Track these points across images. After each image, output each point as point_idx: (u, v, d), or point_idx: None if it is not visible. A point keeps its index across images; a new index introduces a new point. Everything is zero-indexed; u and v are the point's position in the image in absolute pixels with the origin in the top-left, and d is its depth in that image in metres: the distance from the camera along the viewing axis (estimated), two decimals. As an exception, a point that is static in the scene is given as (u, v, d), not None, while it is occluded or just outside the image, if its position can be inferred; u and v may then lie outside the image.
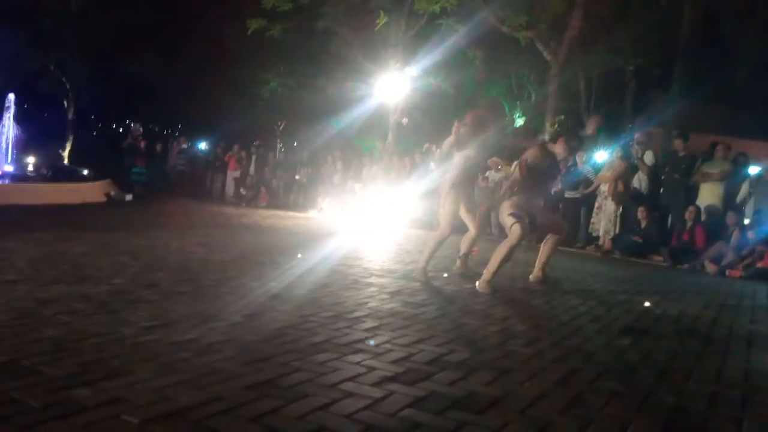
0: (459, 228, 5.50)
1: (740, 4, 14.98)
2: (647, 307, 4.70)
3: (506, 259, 4.95)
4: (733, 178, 8.57)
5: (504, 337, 3.43)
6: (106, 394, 2.09)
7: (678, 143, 9.33)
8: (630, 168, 9.42)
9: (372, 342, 3.09)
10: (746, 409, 2.62)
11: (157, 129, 19.67)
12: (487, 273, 4.90)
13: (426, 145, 11.50)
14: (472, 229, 5.53)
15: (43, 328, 2.80)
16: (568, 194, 10.03)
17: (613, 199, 9.23)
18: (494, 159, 11.69)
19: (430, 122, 16.30)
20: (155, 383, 2.23)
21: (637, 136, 10.10)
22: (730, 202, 8.50)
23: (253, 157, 16.11)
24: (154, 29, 19.42)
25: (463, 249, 5.61)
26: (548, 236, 5.57)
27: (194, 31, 19.00)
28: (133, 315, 3.17)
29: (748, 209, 8.34)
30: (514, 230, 4.90)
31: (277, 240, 7.75)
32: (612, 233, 9.21)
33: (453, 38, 13.08)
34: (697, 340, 3.83)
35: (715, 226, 8.28)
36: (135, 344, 2.68)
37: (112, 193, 10.43)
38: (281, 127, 21.34)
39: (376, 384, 2.46)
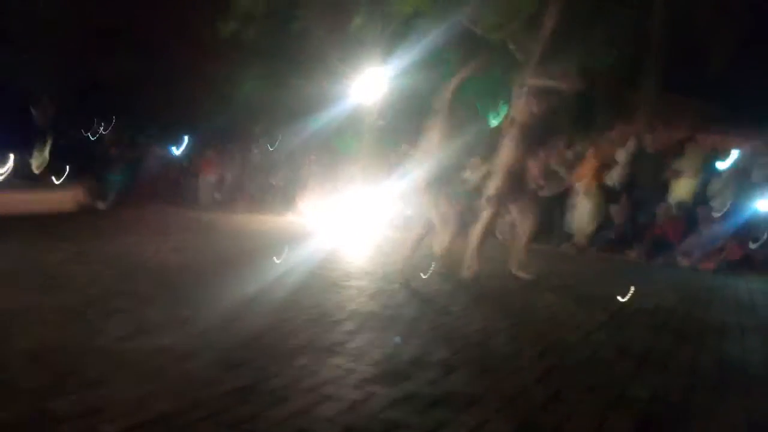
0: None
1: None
2: (623, 302, 4.77)
3: (482, 242, 5.02)
4: (704, 174, 8.72)
5: (483, 336, 3.46)
6: (83, 405, 2.07)
7: (649, 140, 9.45)
8: (603, 165, 9.53)
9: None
10: (719, 399, 2.67)
11: (131, 133, 19.38)
12: (471, 261, 4.94)
13: (404, 147, 11.52)
14: (474, 229, 5.57)
15: (16, 340, 2.76)
16: (542, 192, 10.11)
17: (587, 197, 9.34)
18: (472, 161, 11.78)
19: (407, 123, 16.33)
20: (133, 392, 2.22)
21: (609, 133, 10.22)
22: (701, 196, 8.64)
23: (229, 161, 15.99)
24: (126, 32, 19.15)
25: (436, 249, 5.62)
26: (517, 229, 5.63)
27: (168, 32, 18.79)
28: (108, 324, 3.13)
29: (720, 203, 8.48)
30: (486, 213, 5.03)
31: (254, 244, 7.70)
32: (588, 230, 9.30)
33: (429, 38, 13.12)
34: (672, 333, 3.90)
35: (688, 220, 8.41)
36: (111, 353, 2.65)
37: (88, 199, 10.28)
38: (258, 130, 21.22)
39: (357, 386, 2.47)
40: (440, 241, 5.61)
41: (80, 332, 2.96)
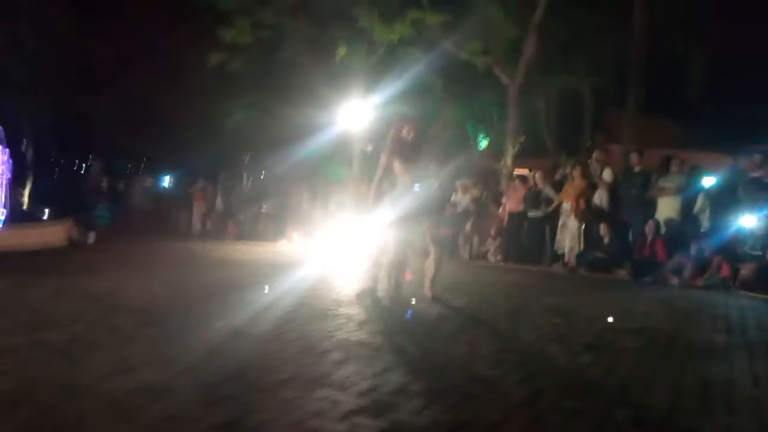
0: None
1: (688, 22, 15.54)
2: (610, 323, 4.78)
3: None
4: (688, 191, 8.81)
5: (469, 361, 3.45)
6: (62, 447, 2.05)
7: (634, 159, 9.57)
8: (589, 185, 9.62)
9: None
10: (704, 419, 2.68)
11: (119, 166, 19.39)
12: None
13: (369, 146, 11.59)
14: (434, 254, 5.58)
15: (-4, 380, 2.73)
16: (531, 213, 10.19)
17: (576, 217, 9.41)
18: (462, 182, 11.84)
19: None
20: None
21: (595, 153, 10.34)
22: (687, 214, 8.73)
23: (219, 190, 15.99)
24: (112, 65, 19.24)
25: (427, 274, 5.64)
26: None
27: (154, 66, 18.90)
28: (92, 362, 3.11)
29: (706, 220, 8.56)
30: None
31: (244, 274, 7.68)
32: (576, 250, 9.36)
33: (414, 66, 13.30)
34: (657, 353, 3.91)
35: (675, 238, 8.48)
36: (92, 393, 2.63)
37: (74, 234, 10.22)
38: (246, 159, 21.27)
39: (341, 419, 2.45)
40: (428, 267, 5.63)
41: (61, 370, 2.93)
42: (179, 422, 2.31)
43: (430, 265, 5.62)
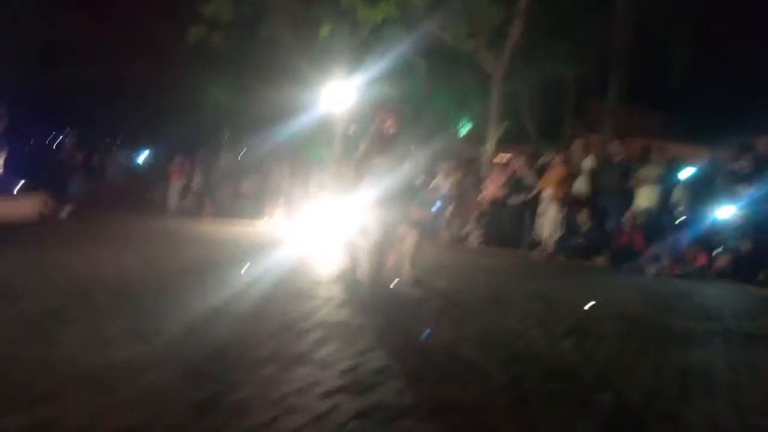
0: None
1: (671, 13, 15.62)
2: (589, 309, 4.81)
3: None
4: (667, 182, 8.89)
5: (451, 343, 3.44)
6: (35, 420, 1.98)
7: (615, 148, 9.62)
8: (571, 173, 9.66)
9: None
10: (682, 405, 2.70)
11: (94, 140, 19.02)
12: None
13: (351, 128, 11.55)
14: (411, 236, 5.56)
15: (-34, 354, 2.65)
16: (512, 199, 10.21)
17: (556, 204, 9.44)
18: (444, 164, 11.82)
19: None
20: (91, 406, 2.14)
21: (577, 141, 10.37)
22: (665, 204, 8.81)
23: (197, 167, 15.76)
24: (89, 37, 18.80)
25: (407, 257, 5.62)
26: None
27: (133, 38, 18.50)
28: (66, 335, 3.03)
29: (683, 211, 8.65)
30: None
31: (221, 252, 7.60)
32: (555, 236, 9.41)
33: (397, 48, 13.17)
34: (637, 339, 3.95)
35: (653, 228, 8.56)
36: (69, 366, 2.56)
37: (47, 208, 10.00)
38: (226, 137, 21.01)
39: (322, 397, 2.42)
40: (407, 250, 5.60)
41: (35, 344, 2.85)
42: (159, 398, 2.26)
43: (408, 247, 5.60)
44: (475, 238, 10.53)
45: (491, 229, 10.43)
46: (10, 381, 2.33)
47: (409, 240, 5.59)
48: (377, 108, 5.94)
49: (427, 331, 2.99)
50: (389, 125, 5.36)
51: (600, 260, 8.72)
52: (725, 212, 8.08)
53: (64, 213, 10.36)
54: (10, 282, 4.40)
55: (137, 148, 19.53)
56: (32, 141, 18.06)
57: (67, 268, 5.28)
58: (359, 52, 14.26)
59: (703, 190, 8.48)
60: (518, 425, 2.29)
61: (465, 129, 20.44)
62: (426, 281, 5.51)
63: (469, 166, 12.63)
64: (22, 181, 11.93)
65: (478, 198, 10.93)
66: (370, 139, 5.45)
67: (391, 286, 5.21)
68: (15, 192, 11.39)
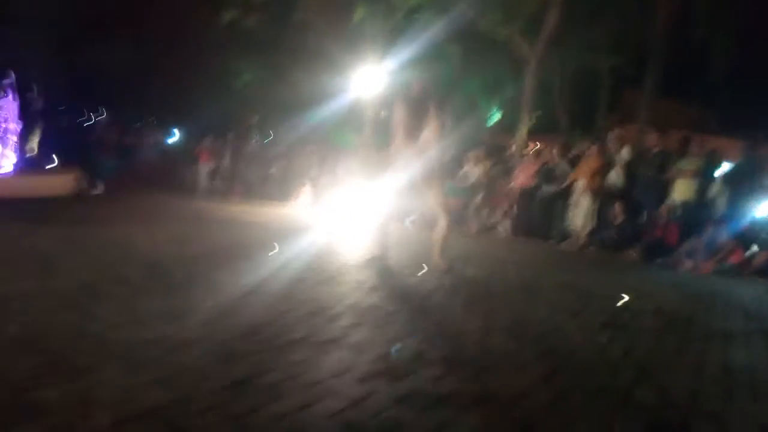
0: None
1: (713, 6, 15.20)
2: (624, 303, 4.70)
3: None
4: (705, 175, 8.65)
5: (485, 333, 3.38)
6: (74, 394, 1.98)
7: (652, 139, 9.38)
8: (605, 163, 9.47)
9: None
10: (726, 404, 2.61)
11: (127, 120, 19.22)
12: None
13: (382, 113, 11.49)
14: (443, 223, 5.49)
15: (5, 326, 2.67)
16: (544, 189, 10.06)
17: (589, 194, 9.27)
18: (473, 153, 11.70)
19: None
20: (126, 382, 2.13)
21: (614, 132, 10.15)
22: (703, 198, 8.58)
23: (227, 149, 15.84)
24: (123, 17, 18.96)
25: (436, 245, 5.55)
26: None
27: (166, 22, 18.62)
28: (100, 311, 3.04)
29: (722, 205, 8.42)
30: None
31: (251, 234, 7.62)
32: (588, 228, 9.24)
33: (430, 33, 13.02)
34: (675, 335, 3.84)
35: (689, 222, 8.34)
36: (103, 341, 2.56)
37: (81, 185, 10.15)
38: (256, 120, 21.09)
39: (357, 382, 2.39)
40: (437, 236, 5.53)
41: (72, 318, 2.87)
42: (194, 376, 2.24)
43: (438, 234, 5.53)
44: (503, 228, 10.41)
45: (520, 220, 10.29)
46: (48, 353, 2.34)
47: (440, 227, 5.51)
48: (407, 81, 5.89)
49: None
50: (415, 89, 5.32)
51: (632, 254, 8.55)
52: (764, 209, 7.85)
53: (96, 191, 10.49)
54: (46, 257, 4.46)
55: (169, 129, 19.68)
56: (67, 120, 18.33)
57: (100, 245, 5.33)
58: (392, 37, 14.14)
59: (743, 185, 8.24)
60: (557, 421, 2.23)
61: (495, 117, 20.20)
62: (455, 270, 5.44)
63: (498, 154, 12.48)
64: (57, 160, 12.14)
65: (508, 187, 10.79)
66: (398, 105, 5.40)
67: (420, 274, 5.16)
68: (49, 170, 11.59)
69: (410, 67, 13.32)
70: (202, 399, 2.06)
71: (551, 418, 2.25)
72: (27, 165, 10.98)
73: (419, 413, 2.12)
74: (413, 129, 5.31)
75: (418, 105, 5.32)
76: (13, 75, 10.20)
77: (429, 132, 5.29)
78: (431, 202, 5.56)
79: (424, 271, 5.23)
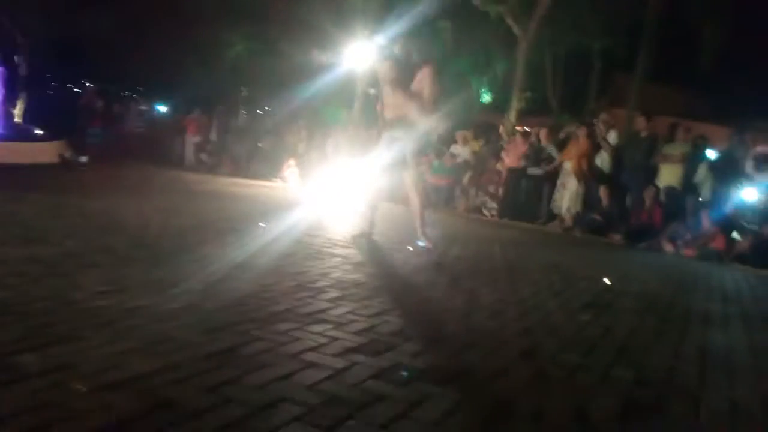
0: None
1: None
2: (607, 284, 4.76)
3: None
4: (692, 160, 8.73)
5: (468, 310, 3.41)
6: (54, 360, 1.98)
7: (641, 123, 9.43)
8: (593, 146, 9.51)
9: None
10: (702, 384, 2.66)
11: (114, 89, 18.97)
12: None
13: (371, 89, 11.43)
14: (415, 201, 5.48)
15: (-14, 291, 2.65)
16: (531, 171, 10.10)
17: (576, 177, 9.32)
18: (461, 132, 11.68)
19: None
20: (106, 350, 2.13)
21: (601, 115, 10.18)
22: (688, 183, 8.67)
23: (215, 123, 15.69)
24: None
25: (416, 220, 5.54)
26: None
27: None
28: (84, 279, 3.03)
29: (706, 191, 8.51)
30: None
31: (238, 208, 7.59)
32: (573, 210, 9.31)
33: (422, 7, 12.88)
34: (655, 317, 3.90)
35: (674, 206, 8.44)
36: (86, 309, 2.55)
37: (66, 154, 10.03)
38: (244, 93, 20.87)
39: (339, 354, 2.40)
40: (414, 214, 5.52)
41: (55, 286, 2.85)
42: (177, 345, 2.25)
43: (414, 212, 5.51)
44: (490, 207, 10.45)
45: (507, 200, 10.34)
46: (29, 320, 2.33)
47: (413, 205, 5.49)
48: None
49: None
50: (399, 49, 5.29)
51: (617, 237, 8.64)
52: (749, 195, 7.95)
53: (82, 159, 10.39)
54: (29, 225, 4.42)
55: (156, 100, 19.45)
56: (53, 87, 18.06)
57: (86, 214, 5.29)
58: (383, 11, 13.98)
59: (728, 172, 8.33)
60: (536, 396, 2.26)
61: (484, 97, 20.15)
62: (441, 249, 5.47)
63: (487, 134, 12.48)
64: (42, 127, 11.96)
65: (496, 168, 10.81)
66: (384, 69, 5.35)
67: (407, 249, 5.18)
68: (34, 137, 11.42)
69: (402, 41, 13.21)
70: (183, 368, 2.06)
71: (529, 394, 2.28)
72: (12, 132, 10.82)
73: (398, 387, 2.15)
74: (402, 85, 5.24)
75: (404, 66, 5.27)
76: None
77: (424, 89, 5.21)
78: (406, 179, 5.54)
79: (410, 249, 5.25)
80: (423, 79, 5.21)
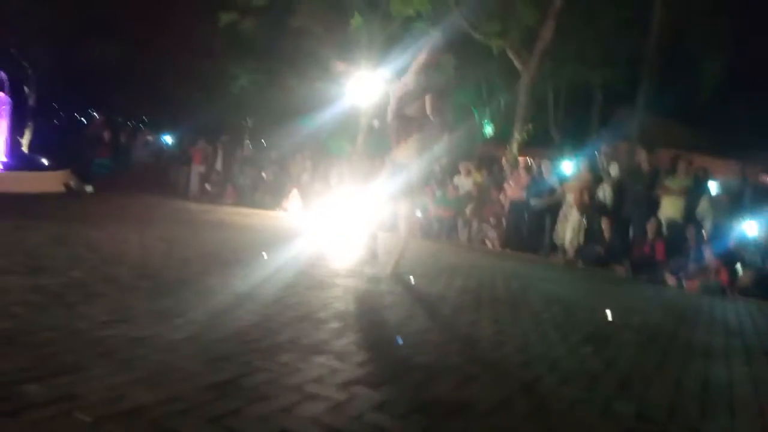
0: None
1: (705, 27, 15.42)
2: (609, 317, 4.75)
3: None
4: (694, 193, 8.76)
5: (469, 342, 3.42)
6: (58, 390, 2.00)
7: (642, 156, 9.50)
8: (595, 179, 9.56)
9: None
10: (704, 420, 2.65)
11: (121, 120, 19.20)
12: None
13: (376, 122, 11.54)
14: (403, 234, 5.56)
15: (-8, 320, 2.68)
16: (533, 202, 10.14)
17: (578, 209, 9.35)
18: (464, 164, 11.76)
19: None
20: (111, 380, 2.15)
21: (603, 148, 10.26)
22: (690, 216, 8.69)
23: (220, 153, 15.84)
24: (120, 17, 18.97)
25: (395, 252, 5.58)
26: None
27: (162, 21, 18.64)
28: (89, 309, 3.06)
29: (708, 224, 8.52)
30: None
31: (241, 238, 7.63)
32: (576, 243, 9.32)
33: (426, 42, 13.10)
34: (657, 350, 3.89)
35: (676, 239, 8.44)
36: (91, 339, 2.58)
37: (73, 183, 10.13)
38: (249, 125, 21.11)
39: (340, 386, 2.41)
40: (398, 246, 5.56)
41: (59, 315, 2.88)
42: (180, 376, 2.27)
43: (398, 244, 5.56)
44: (492, 239, 10.47)
45: (510, 232, 10.36)
46: (35, 350, 2.36)
47: (401, 236, 5.57)
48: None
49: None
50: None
51: (619, 269, 8.63)
52: (751, 228, 7.96)
53: (88, 189, 10.48)
54: (35, 254, 4.46)
55: (162, 131, 19.67)
56: (60, 118, 18.30)
57: (91, 243, 5.33)
58: (387, 46, 14.22)
59: (730, 205, 8.36)
60: (537, 429, 2.26)
61: (486, 129, 20.32)
62: (444, 280, 5.49)
63: (489, 166, 12.57)
64: (48, 157, 12.10)
65: (498, 199, 10.86)
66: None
67: (409, 279, 5.20)
68: (41, 167, 11.55)
69: (405, 75, 13.39)
70: (187, 399, 2.08)
71: (530, 428, 2.28)
72: (19, 162, 10.94)
73: (397, 419, 2.15)
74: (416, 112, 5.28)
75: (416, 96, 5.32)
76: (3, 73, 10.19)
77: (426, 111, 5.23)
78: (401, 211, 5.58)
79: (411, 279, 5.27)
80: (431, 108, 5.26)
